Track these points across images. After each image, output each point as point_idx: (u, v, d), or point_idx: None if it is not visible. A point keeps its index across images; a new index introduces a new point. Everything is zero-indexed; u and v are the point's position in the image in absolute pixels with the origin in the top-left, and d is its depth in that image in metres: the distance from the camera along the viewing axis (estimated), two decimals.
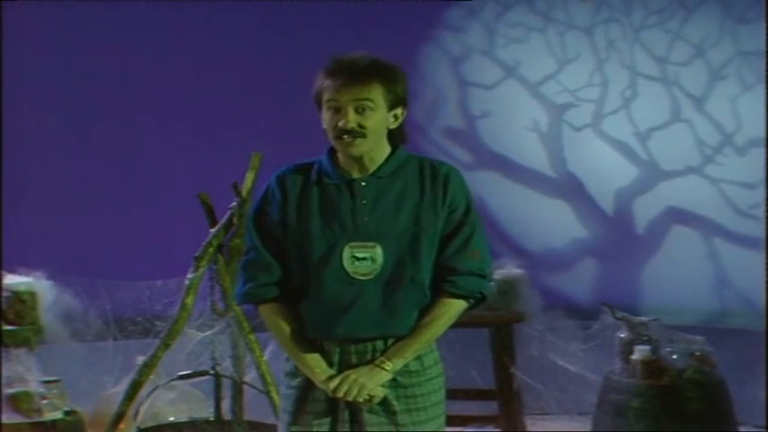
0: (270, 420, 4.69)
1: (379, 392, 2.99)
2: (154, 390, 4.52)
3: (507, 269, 5.88)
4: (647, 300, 9.34)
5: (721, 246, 9.46)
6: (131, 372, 5.07)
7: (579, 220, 9.89)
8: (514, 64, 9.92)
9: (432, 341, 3.07)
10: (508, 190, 9.94)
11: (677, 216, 9.62)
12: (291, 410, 3.08)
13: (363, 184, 3.04)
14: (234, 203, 4.88)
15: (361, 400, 2.96)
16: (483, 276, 3.08)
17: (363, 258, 3.00)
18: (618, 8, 9.75)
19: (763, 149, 8.44)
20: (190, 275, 4.92)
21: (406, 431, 3.03)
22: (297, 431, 3.05)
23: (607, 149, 9.79)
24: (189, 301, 4.93)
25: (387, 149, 3.07)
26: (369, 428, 3.01)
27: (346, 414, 3.02)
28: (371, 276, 2.99)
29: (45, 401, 4.97)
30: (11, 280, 5.14)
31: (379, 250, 3.00)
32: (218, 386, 4.84)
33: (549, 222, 9.83)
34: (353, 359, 3.02)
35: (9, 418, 4.88)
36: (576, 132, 9.87)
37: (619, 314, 5.48)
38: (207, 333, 4.91)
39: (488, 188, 9.72)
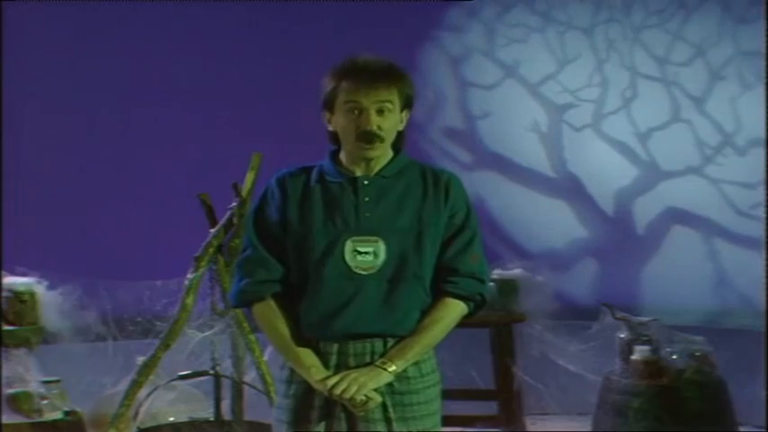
0: (270, 420, 4.68)
1: (377, 397, 2.95)
2: (154, 390, 4.51)
3: (512, 269, 5.88)
4: (647, 300, 9.34)
5: (721, 246, 9.46)
6: (131, 372, 5.07)
7: (579, 220, 9.88)
8: (514, 64, 9.92)
9: (433, 344, 3.04)
10: (508, 190, 9.94)
11: (677, 216, 9.62)
12: (288, 420, 3.03)
13: (366, 182, 3.03)
14: (234, 204, 4.88)
15: (358, 399, 2.91)
16: (482, 281, 3.08)
17: (366, 252, 2.98)
18: (618, 8, 9.75)
19: (763, 149, 8.43)
20: (190, 275, 4.93)
21: None
22: None
23: (607, 150, 9.79)
24: (189, 301, 4.93)
25: (390, 152, 3.08)
26: None
27: (343, 423, 2.97)
28: (373, 271, 2.97)
29: (45, 401, 4.97)
30: (11, 280, 5.14)
31: (381, 245, 2.99)
32: (218, 386, 4.84)
33: (548, 223, 9.83)
34: (351, 361, 2.98)
35: (9, 418, 4.88)
36: (576, 133, 9.87)
37: (619, 314, 5.48)
38: (207, 333, 4.91)
39: (488, 188, 9.72)
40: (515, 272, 5.93)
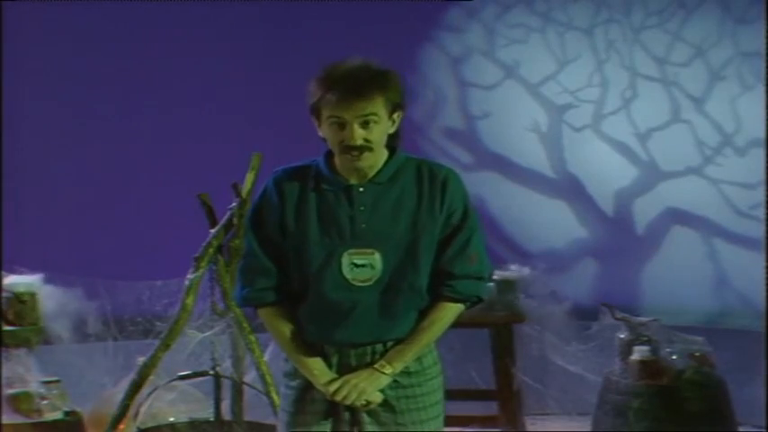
0: (270, 420, 4.69)
1: (377, 398, 2.99)
2: (154, 390, 4.51)
3: (512, 270, 5.88)
4: (646, 300, 9.34)
5: (721, 246, 9.46)
6: (131, 372, 5.07)
7: (579, 220, 9.89)
8: (514, 64, 9.92)
9: (430, 344, 3.07)
10: (508, 191, 9.94)
11: (677, 216, 9.63)
12: (290, 410, 3.08)
13: (361, 189, 3.02)
14: (234, 204, 4.88)
15: (359, 404, 2.97)
16: (481, 279, 3.08)
17: (363, 265, 2.99)
18: (618, 9, 9.75)
19: (762, 150, 8.43)
20: (190, 276, 4.92)
21: (407, 431, 3.03)
22: None
23: (607, 150, 9.79)
24: (189, 301, 4.93)
25: (384, 154, 3.05)
26: (369, 428, 3.02)
27: (346, 414, 3.02)
28: (370, 283, 2.99)
29: (45, 402, 4.97)
30: (11, 280, 5.14)
31: (377, 257, 2.99)
32: (218, 387, 4.83)
33: (548, 223, 9.83)
34: (353, 362, 3.02)
35: (9, 418, 4.88)
36: (576, 133, 9.87)
37: (618, 314, 5.48)
38: (207, 334, 4.91)
39: (488, 189, 9.72)
40: (515, 272, 5.93)
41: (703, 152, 9.54)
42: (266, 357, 4.92)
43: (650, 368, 5.21)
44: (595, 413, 5.41)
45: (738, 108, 9.35)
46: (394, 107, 3.01)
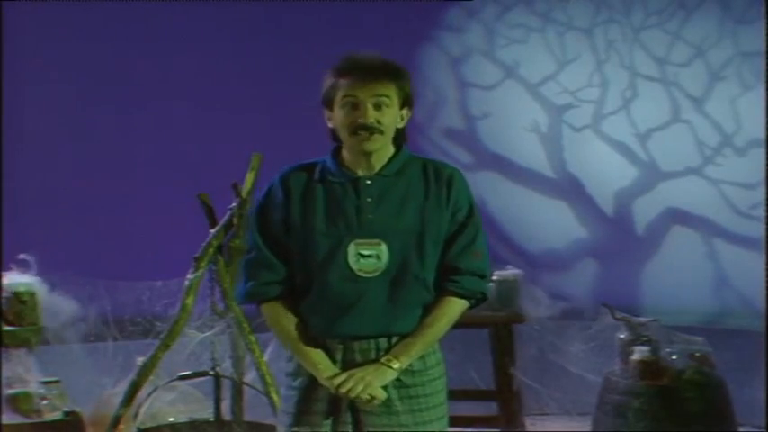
0: (270, 420, 4.68)
1: (381, 394, 2.98)
2: (154, 390, 4.51)
3: (507, 270, 5.88)
4: (646, 300, 9.35)
5: (721, 246, 9.47)
6: (131, 372, 5.06)
7: (579, 220, 9.89)
8: (514, 65, 9.92)
9: (435, 340, 3.08)
10: (508, 191, 9.95)
11: (677, 217, 9.63)
12: (293, 411, 3.07)
13: (368, 182, 3.04)
14: (234, 204, 4.88)
15: (363, 397, 2.95)
16: (484, 276, 3.10)
17: (369, 256, 3.00)
18: (618, 9, 9.76)
19: (762, 150, 8.44)
20: (190, 276, 4.92)
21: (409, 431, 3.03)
22: None
23: (607, 150, 9.80)
24: (189, 301, 4.93)
25: (391, 149, 3.09)
26: (371, 429, 3.01)
27: (348, 415, 3.02)
28: (376, 274, 3.00)
29: (45, 402, 4.96)
30: (11, 280, 5.13)
31: (384, 247, 3.00)
32: (218, 387, 4.84)
33: (548, 223, 9.84)
34: (357, 357, 3.02)
35: (9, 418, 4.87)
36: (576, 133, 9.88)
37: (618, 315, 5.47)
38: (207, 334, 4.91)
39: (488, 189, 9.73)
40: (515, 272, 5.93)
41: (703, 152, 9.55)
42: (266, 357, 4.92)
43: (650, 368, 5.20)
44: (595, 413, 5.41)
45: (738, 108, 9.36)
46: (405, 99, 3.06)
